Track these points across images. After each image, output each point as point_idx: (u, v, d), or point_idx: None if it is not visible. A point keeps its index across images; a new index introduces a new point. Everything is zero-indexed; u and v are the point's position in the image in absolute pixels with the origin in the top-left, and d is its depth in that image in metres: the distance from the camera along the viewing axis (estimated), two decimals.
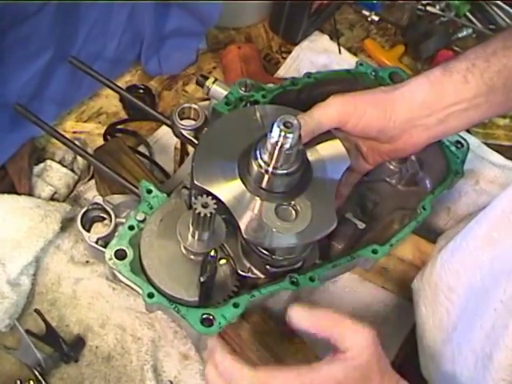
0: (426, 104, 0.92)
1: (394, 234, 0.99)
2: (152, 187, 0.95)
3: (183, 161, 1.21)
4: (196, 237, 0.85)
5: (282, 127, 0.80)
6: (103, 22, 1.30)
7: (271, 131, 0.81)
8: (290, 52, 1.57)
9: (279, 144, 0.81)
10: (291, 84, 1.06)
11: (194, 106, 1.03)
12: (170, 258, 0.89)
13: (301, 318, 0.82)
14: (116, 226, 0.99)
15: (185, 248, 0.88)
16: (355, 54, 1.59)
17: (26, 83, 1.21)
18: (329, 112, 0.92)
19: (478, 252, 0.94)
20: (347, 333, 0.80)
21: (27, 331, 1.09)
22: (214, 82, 1.08)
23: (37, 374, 1.06)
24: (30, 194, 1.21)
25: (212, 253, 0.82)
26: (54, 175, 1.25)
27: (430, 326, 1.02)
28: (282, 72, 1.53)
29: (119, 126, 1.37)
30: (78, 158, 1.28)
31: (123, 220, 1.00)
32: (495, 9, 1.65)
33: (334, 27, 1.60)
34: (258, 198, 0.88)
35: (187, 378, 1.10)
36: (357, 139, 0.99)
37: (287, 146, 0.81)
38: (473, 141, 1.37)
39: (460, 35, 1.62)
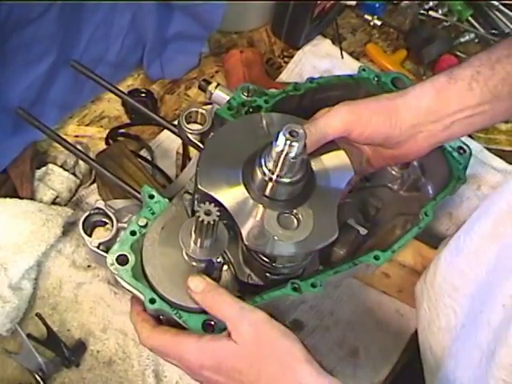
0: (431, 111, 0.92)
1: (396, 240, 0.99)
2: (154, 192, 0.95)
3: (185, 165, 1.21)
4: (198, 244, 0.84)
5: (287, 136, 0.80)
6: (105, 26, 1.30)
7: (277, 139, 0.81)
8: (292, 56, 1.57)
9: (284, 153, 0.81)
10: (293, 89, 1.06)
11: (201, 110, 1.02)
12: (172, 265, 0.89)
13: (197, 291, 0.84)
14: (118, 230, 0.99)
15: (187, 255, 0.88)
16: (357, 59, 1.59)
17: (28, 87, 1.21)
18: (334, 121, 0.91)
19: (485, 248, 0.94)
20: (236, 319, 0.81)
21: (28, 335, 1.09)
22: (216, 87, 1.08)
23: (38, 378, 1.06)
24: (32, 198, 1.21)
25: (219, 259, 0.82)
26: (56, 179, 1.25)
27: (437, 327, 1.01)
28: (285, 76, 1.53)
29: (121, 130, 1.38)
30: (80, 162, 1.28)
31: (125, 225, 1.00)
32: (497, 14, 1.65)
33: (336, 32, 1.60)
34: (260, 206, 0.88)
35: (189, 382, 1.10)
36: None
37: (292, 154, 0.81)
38: (475, 146, 1.37)
39: (462, 40, 1.62)
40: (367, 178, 1.11)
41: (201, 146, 1.01)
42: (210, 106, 1.22)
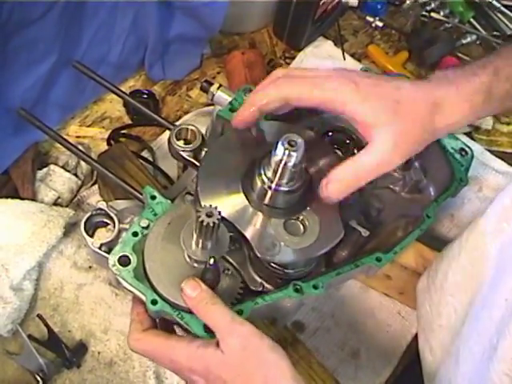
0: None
1: (398, 242, 0.99)
2: (156, 193, 0.95)
3: (187, 166, 1.21)
4: (200, 245, 0.85)
5: (286, 145, 0.81)
6: (107, 26, 1.30)
7: (276, 149, 0.82)
8: (293, 58, 1.57)
9: (283, 162, 0.82)
10: None
11: (190, 127, 1.03)
12: (174, 266, 0.89)
13: (191, 297, 0.84)
14: (119, 231, 0.98)
15: (188, 256, 0.88)
16: (359, 60, 1.59)
17: (29, 88, 1.21)
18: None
19: (488, 245, 0.94)
20: (225, 330, 0.81)
21: (29, 336, 1.09)
22: (218, 88, 1.08)
23: (39, 379, 1.06)
24: (34, 198, 1.21)
25: (211, 261, 0.82)
26: (58, 180, 1.25)
27: (439, 325, 1.01)
28: None
29: (123, 131, 1.37)
30: (82, 162, 1.28)
31: (127, 226, 0.99)
32: (499, 15, 1.64)
33: (338, 33, 1.60)
34: (260, 213, 0.90)
35: None
36: None
37: (291, 164, 0.82)
38: (476, 147, 1.37)
39: (464, 41, 1.62)
40: None
41: (195, 162, 1.02)
42: (207, 107, 1.23)
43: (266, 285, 0.96)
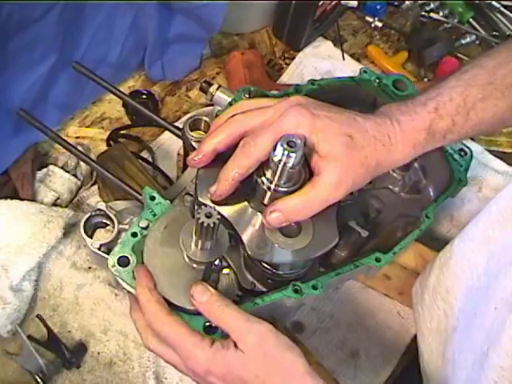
0: None
1: (397, 242, 0.99)
2: (155, 194, 0.95)
3: (186, 167, 1.21)
4: (199, 246, 0.85)
5: (285, 146, 0.81)
6: (107, 27, 1.30)
7: (274, 150, 0.82)
8: (293, 58, 1.57)
9: (282, 163, 0.82)
10: (295, 91, 1.06)
11: (205, 118, 1.03)
12: (173, 267, 0.89)
13: (202, 301, 0.84)
14: (119, 232, 0.99)
15: (188, 257, 0.88)
16: (358, 60, 1.59)
17: (29, 88, 1.21)
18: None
19: (476, 252, 0.95)
20: (242, 330, 0.81)
21: (29, 337, 1.09)
22: (217, 89, 1.08)
23: (38, 380, 1.06)
24: (33, 199, 1.21)
25: (217, 262, 0.83)
26: (57, 181, 1.25)
27: (428, 329, 1.02)
28: (286, 78, 1.53)
29: (122, 132, 1.37)
30: (81, 163, 1.27)
31: (126, 226, 1.00)
32: (499, 15, 1.64)
33: (337, 33, 1.60)
34: (259, 214, 0.89)
35: None
36: None
37: (290, 164, 0.82)
38: (476, 148, 1.37)
39: (463, 42, 1.62)
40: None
41: None
42: (208, 108, 1.23)
43: (258, 284, 0.95)
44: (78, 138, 1.37)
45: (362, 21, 1.67)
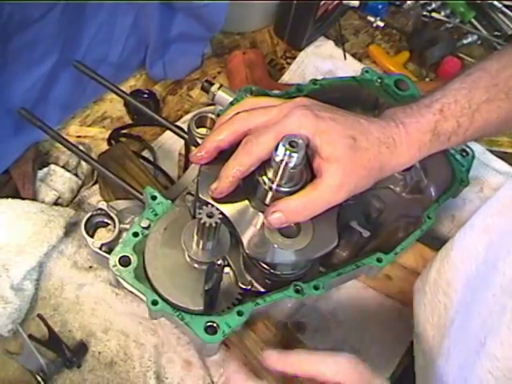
0: None
1: (399, 242, 0.99)
2: (156, 193, 0.95)
3: (187, 166, 1.21)
4: (200, 246, 0.85)
5: (287, 146, 0.81)
6: (108, 26, 1.30)
7: (276, 150, 0.82)
8: (294, 57, 1.56)
9: (284, 163, 0.82)
10: (296, 90, 1.06)
11: (210, 115, 1.03)
12: (175, 267, 0.89)
13: (278, 362, 0.84)
14: (120, 231, 0.99)
15: (189, 257, 0.88)
16: (360, 60, 1.59)
17: (30, 88, 1.21)
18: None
19: (475, 243, 0.95)
20: (331, 370, 0.81)
21: (30, 336, 1.09)
22: (219, 88, 1.08)
23: (39, 379, 1.05)
24: (34, 198, 1.21)
25: (219, 262, 0.82)
26: (58, 180, 1.25)
27: (429, 324, 1.02)
28: (287, 77, 1.52)
29: (123, 131, 1.37)
30: (82, 162, 1.27)
31: (127, 226, 1.00)
32: (500, 15, 1.64)
33: (339, 33, 1.60)
34: (260, 214, 0.89)
35: None
36: None
37: (291, 165, 0.82)
38: (477, 148, 1.36)
39: (465, 42, 1.62)
40: None
41: None
42: (212, 107, 1.23)
43: (255, 284, 0.95)
44: (79, 137, 1.37)
45: (364, 20, 1.67)
